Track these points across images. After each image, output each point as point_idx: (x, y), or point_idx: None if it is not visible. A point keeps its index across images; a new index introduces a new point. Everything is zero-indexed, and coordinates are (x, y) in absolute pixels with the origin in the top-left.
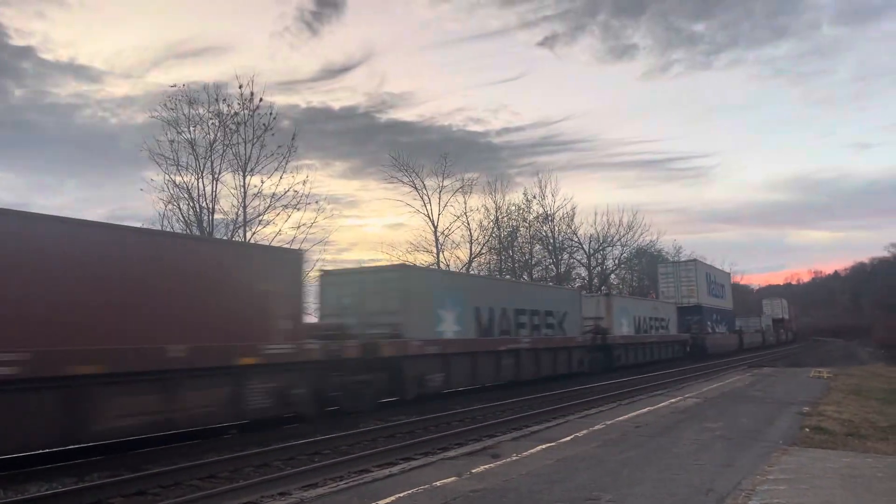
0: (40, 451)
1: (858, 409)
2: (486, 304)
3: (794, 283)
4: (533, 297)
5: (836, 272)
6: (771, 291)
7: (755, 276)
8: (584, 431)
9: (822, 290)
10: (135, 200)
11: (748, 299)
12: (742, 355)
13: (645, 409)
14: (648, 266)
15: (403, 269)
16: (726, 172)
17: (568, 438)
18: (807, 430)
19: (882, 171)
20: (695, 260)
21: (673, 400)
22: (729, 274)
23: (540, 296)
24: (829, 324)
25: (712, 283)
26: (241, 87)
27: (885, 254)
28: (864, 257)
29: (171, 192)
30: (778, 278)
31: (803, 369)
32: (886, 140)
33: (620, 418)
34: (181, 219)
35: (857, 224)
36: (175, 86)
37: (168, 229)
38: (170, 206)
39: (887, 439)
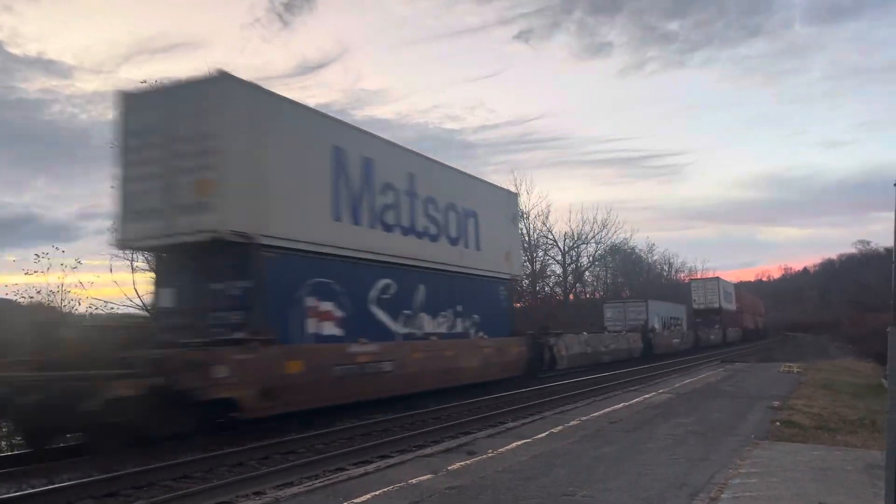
0: (9, 453)
1: (828, 403)
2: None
3: (765, 279)
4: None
5: (805, 268)
6: (745, 288)
7: (727, 272)
8: (560, 427)
9: (792, 287)
10: (107, 197)
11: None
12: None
13: (619, 405)
14: (622, 263)
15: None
16: (700, 170)
17: (543, 434)
18: (777, 424)
19: (852, 169)
20: (240, 81)
21: (647, 395)
22: (516, 196)
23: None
24: (798, 319)
25: (383, 186)
26: None
27: (853, 250)
28: (833, 254)
29: None
30: (749, 275)
31: (774, 364)
32: (857, 139)
33: (595, 414)
34: None
35: (827, 221)
36: (146, 82)
37: None
38: None
39: (856, 432)
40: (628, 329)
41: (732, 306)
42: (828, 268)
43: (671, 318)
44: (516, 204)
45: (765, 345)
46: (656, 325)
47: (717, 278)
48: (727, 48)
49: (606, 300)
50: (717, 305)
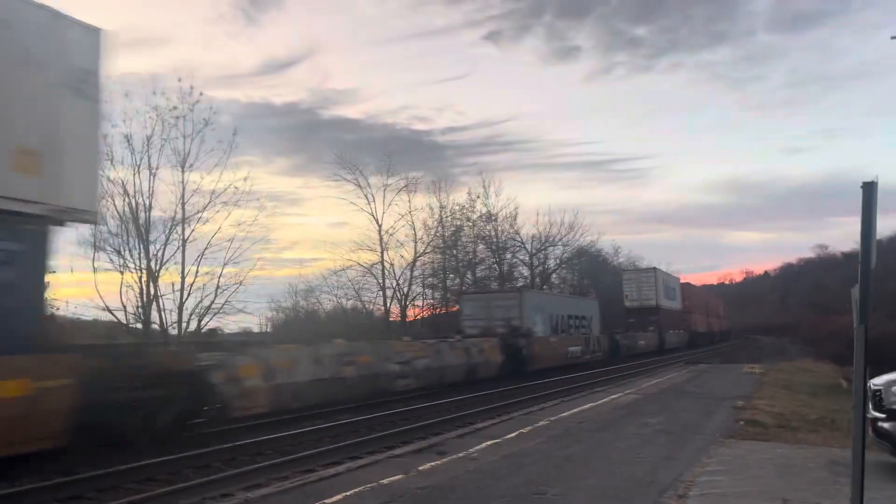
0: None
1: (789, 403)
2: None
3: (727, 282)
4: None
5: (766, 272)
6: (707, 290)
7: (690, 275)
8: (529, 428)
9: (753, 290)
10: None
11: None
12: None
13: (587, 406)
14: (589, 266)
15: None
16: (665, 174)
17: (513, 435)
18: (742, 423)
19: (812, 174)
20: None
21: (614, 396)
22: (95, 32)
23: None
24: (759, 322)
25: None
26: (179, 80)
27: (812, 254)
28: (793, 258)
29: (105, 187)
30: (712, 278)
31: (737, 365)
32: (816, 145)
33: (563, 414)
34: (115, 215)
35: (787, 225)
36: (109, 77)
37: (102, 227)
38: (103, 202)
39: (817, 431)
40: (480, 333)
41: (676, 304)
42: (787, 271)
43: (571, 317)
44: (95, 49)
45: (717, 350)
46: (536, 327)
47: (655, 269)
48: (692, 54)
49: (465, 292)
50: (653, 303)
